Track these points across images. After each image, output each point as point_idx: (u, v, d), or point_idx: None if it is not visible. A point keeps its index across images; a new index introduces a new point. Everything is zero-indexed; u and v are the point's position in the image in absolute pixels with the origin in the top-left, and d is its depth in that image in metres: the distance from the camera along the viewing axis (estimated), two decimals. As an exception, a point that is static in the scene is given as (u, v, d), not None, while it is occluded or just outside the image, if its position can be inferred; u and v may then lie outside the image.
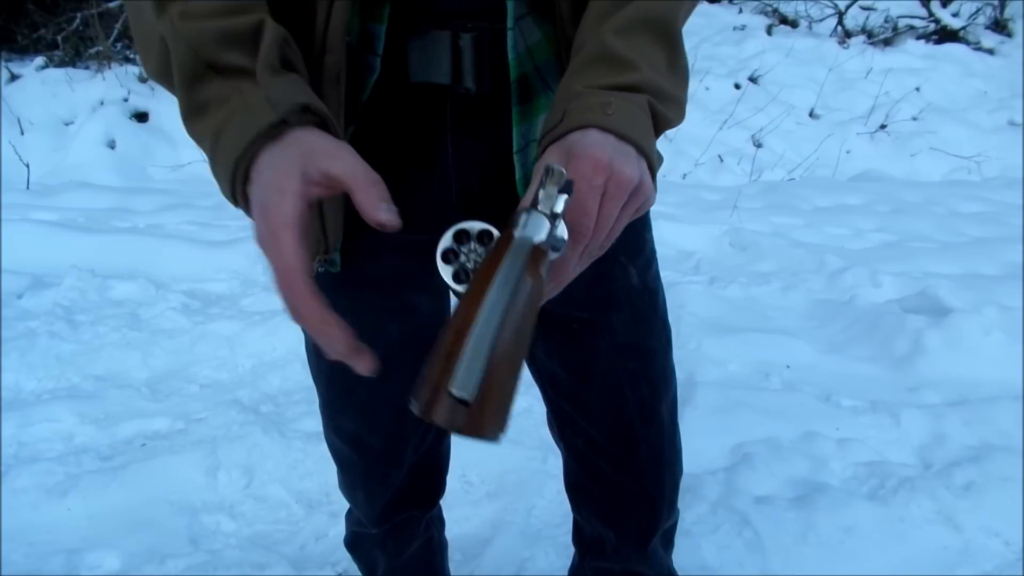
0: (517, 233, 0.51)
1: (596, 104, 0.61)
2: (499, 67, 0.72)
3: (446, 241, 0.57)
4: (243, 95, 0.59)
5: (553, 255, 0.54)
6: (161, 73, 0.63)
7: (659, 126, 0.65)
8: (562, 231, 0.54)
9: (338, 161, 0.57)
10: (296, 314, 0.56)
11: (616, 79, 0.62)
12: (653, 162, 0.63)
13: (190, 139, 0.65)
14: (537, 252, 0.51)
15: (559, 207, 0.53)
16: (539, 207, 0.53)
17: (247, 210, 0.59)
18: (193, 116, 0.61)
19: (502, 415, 0.46)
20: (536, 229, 0.50)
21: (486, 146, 0.77)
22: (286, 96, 0.59)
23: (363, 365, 0.57)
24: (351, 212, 0.62)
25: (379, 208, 0.56)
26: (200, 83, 0.60)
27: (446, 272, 0.57)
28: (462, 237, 0.56)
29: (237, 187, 0.59)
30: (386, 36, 0.71)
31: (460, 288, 0.56)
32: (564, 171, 0.54)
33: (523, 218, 0.52)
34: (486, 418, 0.44)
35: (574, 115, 0.61)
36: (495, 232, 0.56)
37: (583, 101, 0.62)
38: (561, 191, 0.54)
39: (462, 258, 0.56)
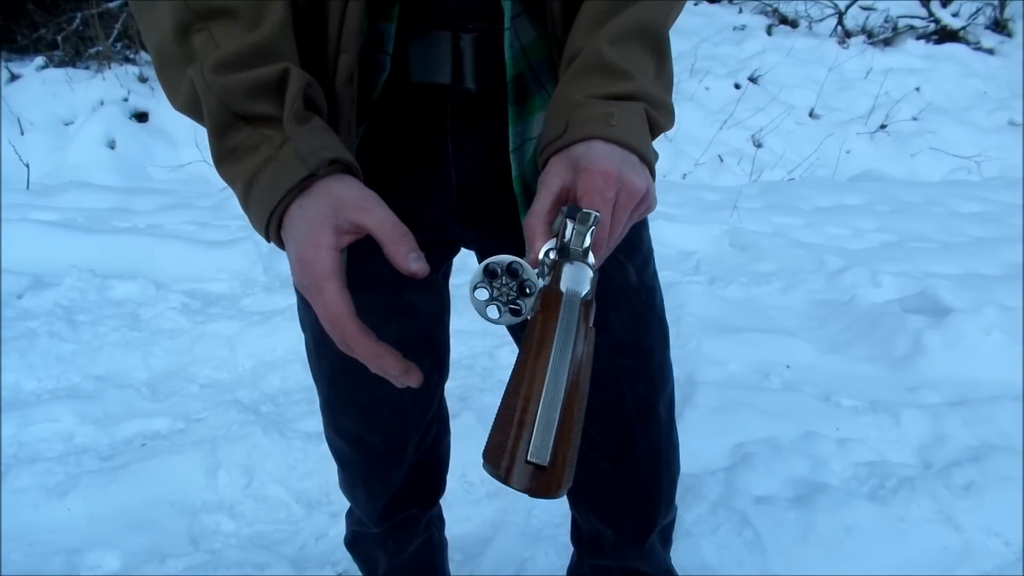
0: (564, 288, 0.53)
1: (599, 115, 0.62)
2: (498, 67, 0.72)
3: (477, 277, 0.59)
4: (272, 144, 0.62)
5: None
6: (190, 109, 0.66)
7: (654, 132, 0.67)
8: (591, 258, 0.58)
9: (367, 214, 0.60)
10: (349, 351, 0.61)
11: (613, 88, 0.64)
12: (653, 168, 0.65)
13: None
14: (586, 304, 0.54)
15: (588, 242, 0.56)
16: (572, 246, 0.56)
17: (280, 247, 0.65)
18: (224, 161, 0.64)
19: (571, 471, 0.49)
20: (582, 282, 0.53)
21: (485, 146, 0.78)
22: (313, 151, 0.61)
23: (414, 379, 0.61)
24: None
25: (409, 259, 0.59)
26: (230, 131, 0.63)
27: (480, 307, 0.59)
28: (491, 272, 0.59)
29: (271, 232, 0.63)
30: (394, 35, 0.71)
31: (495, 320, 0.59)
32: (594, 212, 0.56)
33: (566, 271, 0.54)
34: (559, 478, 0.48)
35: (577, 126, 0.62)
36: (523, 263, 0.58)
37: (585, 112, 0.63)
38: (596, 221, 0.57)
39: (494, 292, 0.59)
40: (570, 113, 0.63)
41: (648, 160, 0.64)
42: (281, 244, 0.65)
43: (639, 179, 0.62)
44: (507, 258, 0.58)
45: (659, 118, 0.67)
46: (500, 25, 0.70)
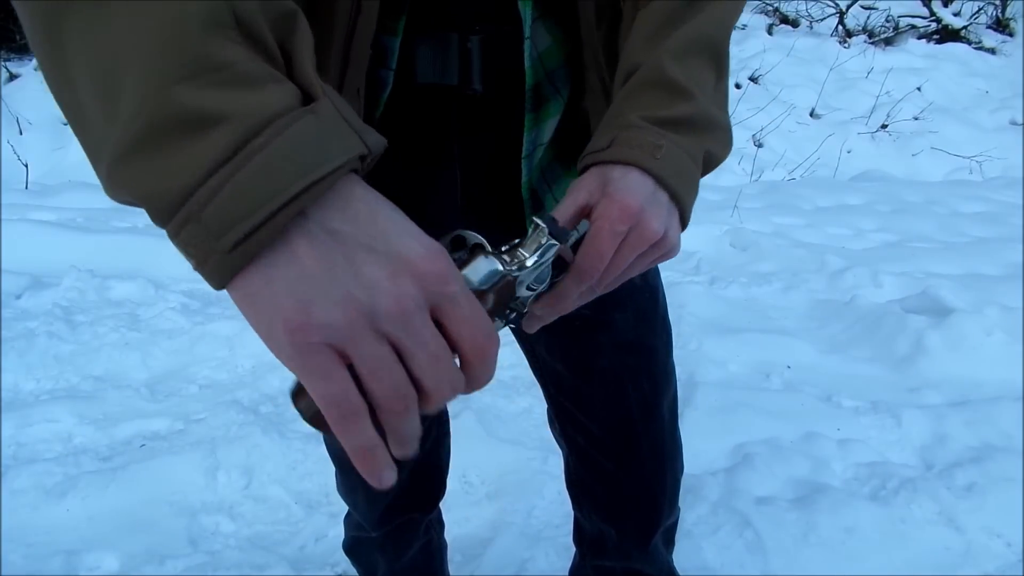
0: (463, 272, 0.51)
1: (647, 143, 0.59)
2: (506, 69, 0.71)
3: (442, 243, 0.57)
4: (285, 90, 0.39)
5: (527, 293, 0.56)
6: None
7: (709, 166, 0.64)
8: (543, 275, 0.56)
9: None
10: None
11: (672, 110, 0.61)
12: (687, 213, 0.62)
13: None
14: (479, 294, 0.52)
15: (530, 261, 0.54)
16: (520, 249, 0.54)
17: (221, 246, 0.38)
18: (201, 78, 0.37)
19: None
20: (478, 272, 0.50)
21: (493, 148, 0.77)
22: (365, 130, 0.41)
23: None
24: None
25: None
26: (220, 35, 0.38)
27: None
28: (458, 243, 0.56)
29: (289, 213, 0.38)
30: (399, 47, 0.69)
31: None
32: (545, 225, 0.54)
33: (476, 261, 0.52)
34: None
35: (623, 149, 0.60)
36: (487, 247, 0.55)
37: (634, 136, 0.60)
38: (557, 237, 0.54)
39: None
40: (620, 131, 0.61)
41: (682, 202, 0.61)
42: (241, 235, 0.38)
43: (657, 222, 0.59)
44: (475, 237, 0.55)
45: (715, 148, 0.64)
46: (509, 27, 0.69)
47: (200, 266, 0.39)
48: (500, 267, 0.51)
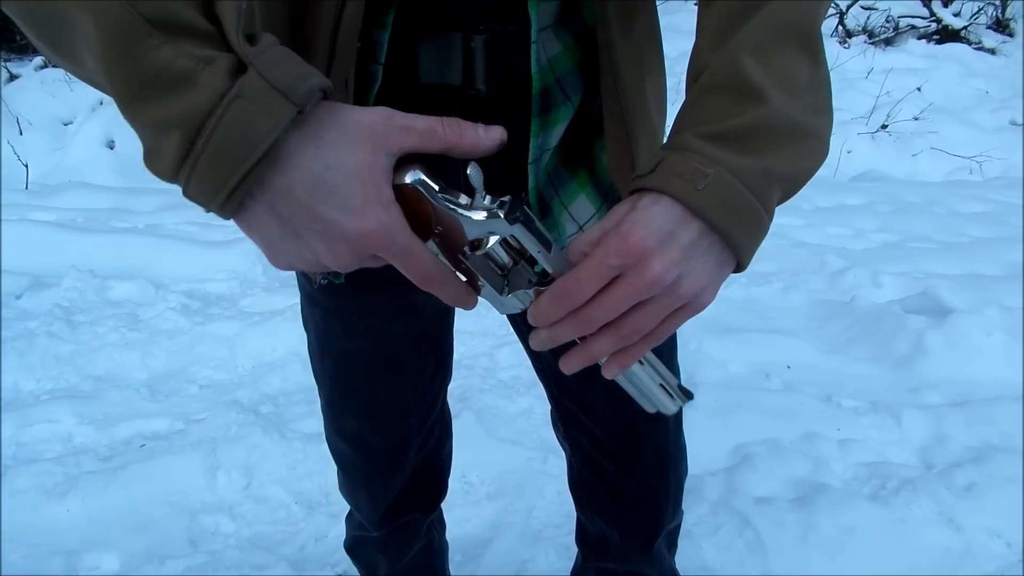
0: (404, 171, 0.54)
1: (691, 171, 0.50)
2: (510, 70, 0.69)
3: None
4: (217, 71, 0.46)
5: (479, 255, 0.56)
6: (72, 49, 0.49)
7: (791, 188, 0.54)
8: (501, 258, 0.55)
9: (411, 132, 0.52)
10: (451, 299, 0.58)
11: (738, 119, 0.52)
12: (743, 255, 0.52)
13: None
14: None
15: (452, 206, 0.54)
16: (474, 200, 0.55)
17: (228, 216, 0.50)
18: (139, 100, 0.47)
19: None
20: (399, 177, 0.53)
21: (498, 152, 0.76)
22: (298, 77, 0.47)
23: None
24: None
25: (481, 137, 0.56)
26: (142, 51, 0.45)
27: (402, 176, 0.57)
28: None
29: (237, 198, 0.49)
30: (389, 42, 0.67)
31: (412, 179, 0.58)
32: (508, 200, 0.55)
33: (410, 169, 0.54)
34: None
35: (663, 174, 0.52)
36: (479, 192, 0.56)
37: (680, 160, 0.51)
38: (508, 211, 0.54)
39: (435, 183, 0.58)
40: (668, 154, 0.52)
41: (733, 242, 0.51)
42: (229, 212, 0.50)
43: (663, 263, 0.49)
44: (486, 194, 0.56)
45: (795, 166, 0.53)
46: (516, 27, 0.67)
47: (206, 212, 0.50)
48: (420, 177, 0.54)
